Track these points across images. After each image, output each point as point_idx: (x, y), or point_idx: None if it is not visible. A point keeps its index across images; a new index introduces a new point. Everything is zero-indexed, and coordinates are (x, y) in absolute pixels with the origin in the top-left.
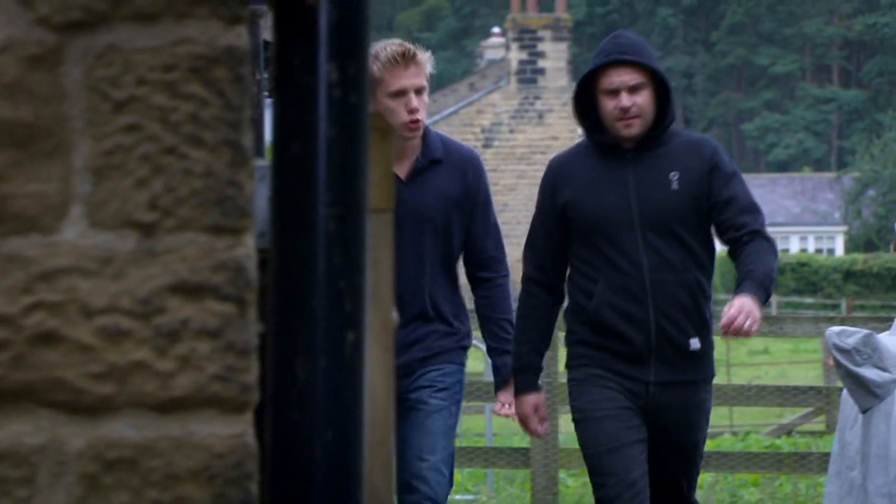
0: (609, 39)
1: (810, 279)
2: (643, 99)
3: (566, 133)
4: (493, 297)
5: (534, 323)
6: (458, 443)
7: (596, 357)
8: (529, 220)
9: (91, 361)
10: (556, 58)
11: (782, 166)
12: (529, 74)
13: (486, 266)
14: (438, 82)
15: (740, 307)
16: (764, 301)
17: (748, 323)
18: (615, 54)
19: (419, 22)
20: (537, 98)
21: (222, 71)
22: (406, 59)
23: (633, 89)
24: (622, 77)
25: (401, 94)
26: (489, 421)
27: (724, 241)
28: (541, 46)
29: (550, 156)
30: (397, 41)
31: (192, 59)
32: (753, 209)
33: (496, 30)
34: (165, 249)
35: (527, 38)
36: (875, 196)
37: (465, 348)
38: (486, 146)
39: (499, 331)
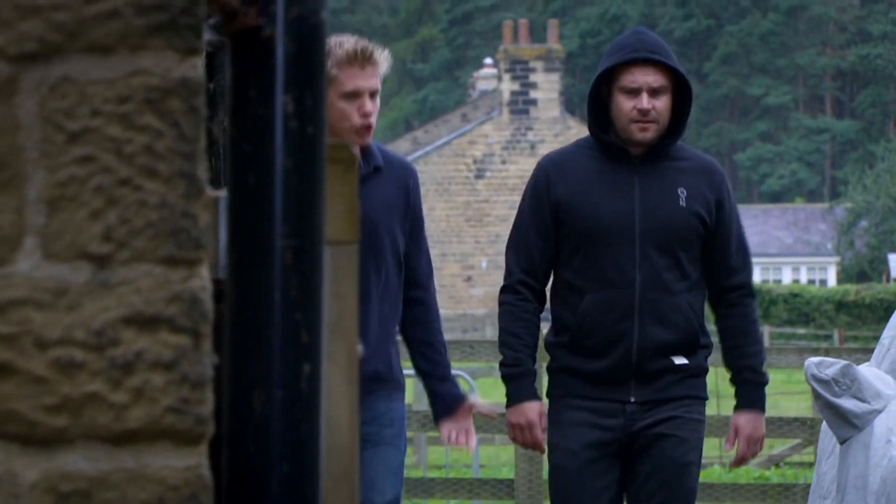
0: (632, 34)
1: (802, 310)
2: (662, 104)
3: None
4: (426, 318)
5: (526, 327)
6: (443, 474)
7: (571, 386)
8: None
9: (45, 393)
10: (548, 89)
11: (775, 197)
12: (521, 105)
13: (418, 285)
14: (431, 113)
15: (749, 438)
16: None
17: (757, 448)
18: (642, 51)
19: (412, 53)
20: (529, 129)
21: (177, 102)
22: (364, 57)
23: (654, 92)
24: (646, 77)
25: (355, 95)
26: (476, 453)
27: (712, 285)
28: (533, 77)
29: None
30: (353, 37)
31: (146, 90)
32: (746, 252)
33: (488, 61)
34: (120, 281)
35: (519, 68)
36: (868, 227)
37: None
38: (478, 177)
39: (435, 354)
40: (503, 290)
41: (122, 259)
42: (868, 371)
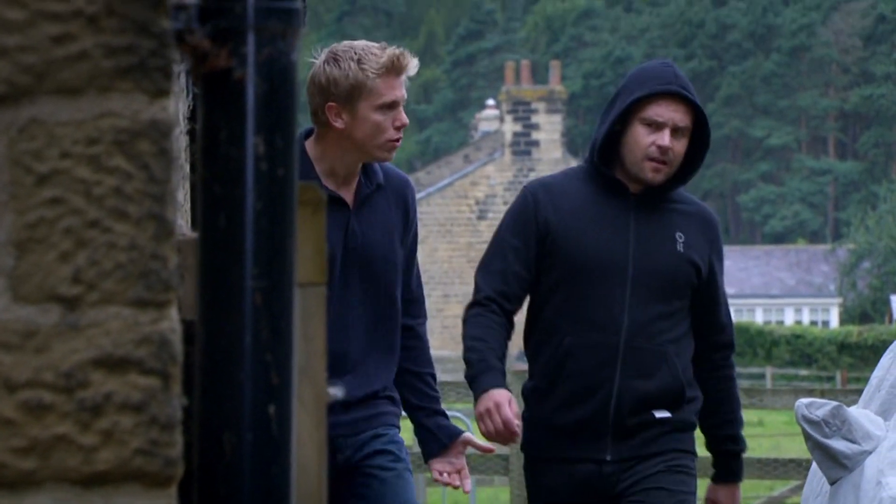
0: (661, 66)
1: (805, 351)
2: (681, 147)
3: None
4: (415, 347)
5: (494, 335)
6: None
7: (545, 445)
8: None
9: (13, 436)
10: (550, 130)
11: (778, 238)
12: (523, 146)
13: (408, 310)
14: (434, 154)
15: None
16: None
17: None
18: (676, 85)
19: (415, 94)
20: (531, 170)
21: (146, 144)
22: (401, 66)
23: (676, 131)
24: (674, 113)
25: (392, 106)
26: (473, 495)
27: (699, 342)
28: (535, 118)
29: None
30: (376, 43)
31: (115, 132)
32: (728, 310)
33: (490, 102)
34: (89, 323)
35: (521, 110)
36: (870, 268)
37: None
38: (480, 218)
39: (425, 387)
40: (469, 306)
41: (92, 301)
42: (858, 412)
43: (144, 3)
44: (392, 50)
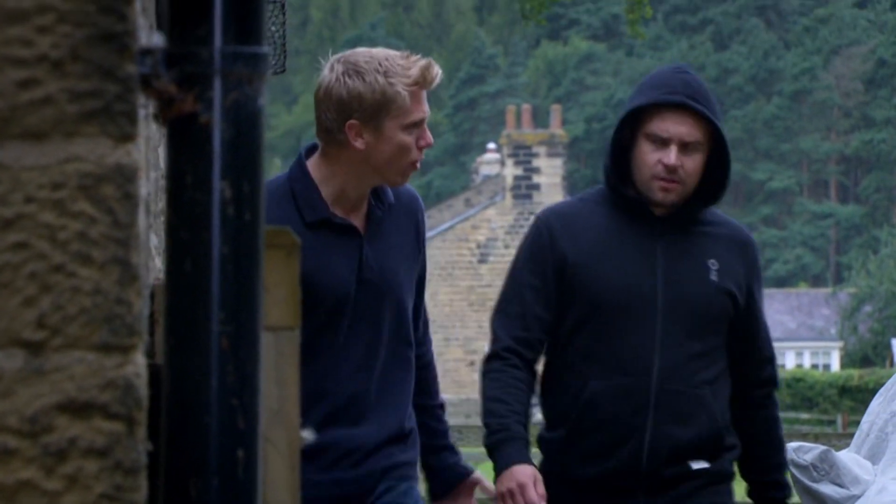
0: (673, 71)
1: (806, 395)
2: (693, 164)
3: None
4: (423, 380)
5: (515, 394)
6: None
7: (564, 500)
8: None
9: None
10: (551, 173)
11: (780, 282)
12: (525, 190)
13: (416, 340)
14: (436, 198)
15: None
16: None
17: None
18: (682, 95)
19: None
20: (532, 213)
21: (111, 189)
22: (432, 77)
23: (685, 146)
24: (679, 128)
25: (420, 124)
26: None
27: (738, 380)
28: (536, 162)
29: None
30: (396, 52)
31: (80, 176)
32: (770, 340)
33: (491, 146)
34: (53, 368)
35: (522, 153)
36: (871, 312)
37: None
38: (481, 261)
39: (434, 422)
40: (488, 358)
41: (56, 346)
42: (847, 456)
43: (110, 47)
44: (419, 60)
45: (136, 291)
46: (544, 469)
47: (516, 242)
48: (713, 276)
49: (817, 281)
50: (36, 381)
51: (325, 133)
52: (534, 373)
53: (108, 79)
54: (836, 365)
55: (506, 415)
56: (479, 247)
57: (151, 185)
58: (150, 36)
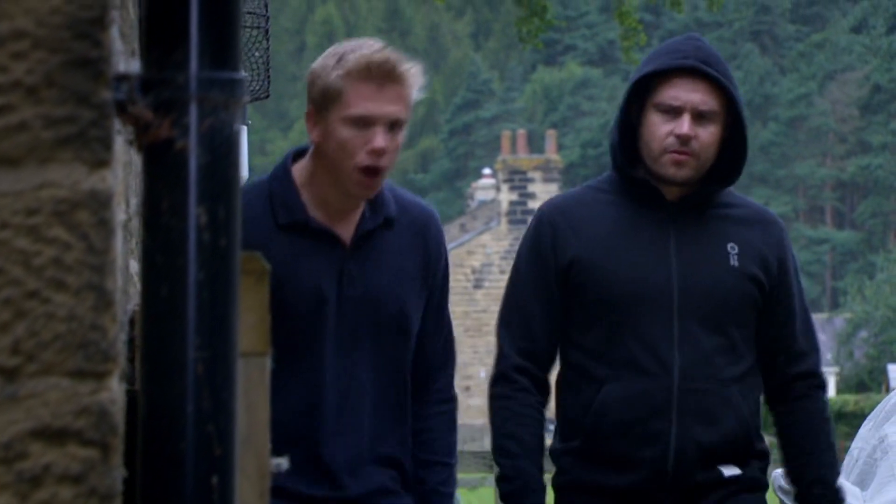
0: (685, 39)
1: None
2: (708, 135)
3: None
4: (431, 430)
5: (527, 426)
6: None
7: None
8: None
9: None
10: (546, 199)
11: None
12: (520, 215)
13: (427, 379)
14: None
15: None
16: None
17: None
18: (693, 59)
19: (414, 163)
20: None
21: (85, 215)
22: (382, 73)
23: (700, 116)
24: (692, 95)
25: (365, 123)
26: None
27: (772, 375)
28: (531, 187)
29: None
30: (376, 43)
31: (54, 203)
32: (811, 330)
33: (487, 171)
34: (28, 394)
35: (517, 179)
36: (867, 337)
37: None
38: (476, 287)
39: (437, 483)
40: (495, 380)
41: (31, 372)
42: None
43: (85, 73)
44: (378, 52)
45: (112, 317)
46: (558, 482)
47: None
48: (734, 262)
49: (814, 306)
50: (10, 407)
51: None
52: (546, 389)
53: (83, 105)
54: (832, 390)
55: (518, 454)
56: (474, 272)
57: (132, 210)
58: (127, 62)
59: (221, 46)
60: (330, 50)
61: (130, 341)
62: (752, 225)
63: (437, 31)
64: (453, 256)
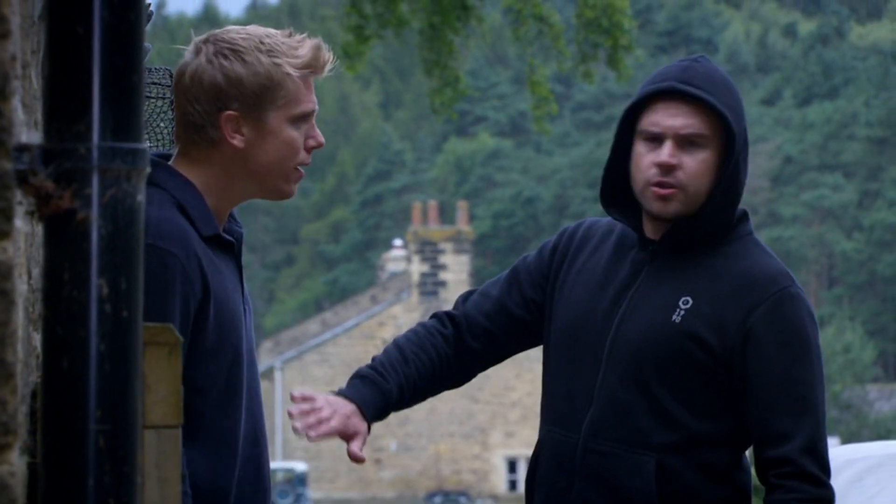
0: (680, 61)
1: None
2: (697, 163)
3: None
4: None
5: (421, 346)
6: None
7: None
8: (434, 442)
9: None
10: (457, 270)
11: None
12: (431, 287)
13: None
14: (342, 294)
15: None
16: None
17: None
18: (672, 81)
19: (325, 234)
20: (439, 310)
21: None
22: (325, 62)
23: (686, 143)
24: (672, 120)
25: (308, 118)
26: None
27: (756, 455)
28: (442, 259)
29: None
30: (277, 30)
31: None
32: (803, 412)
33: (398, 242)
34: None
35: (428, 250)
36: None
37: None
38: None
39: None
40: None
41: None
42: None
43: None
44: (308, 40)
45: (12, 390)
46: None
47: None
48: (676, 317)
49: None
50: None
51: (190, 131)
52: (455, 349)
53: None
54: None
55: (388, 350)
56: (384, 344)
57: (34, 281)
58: (29, 132)
59: (124, 117)
60: (226, 45)
61: (32, 413)
62: (729, 281)
63: (346, 101)
64: (364, 328)
